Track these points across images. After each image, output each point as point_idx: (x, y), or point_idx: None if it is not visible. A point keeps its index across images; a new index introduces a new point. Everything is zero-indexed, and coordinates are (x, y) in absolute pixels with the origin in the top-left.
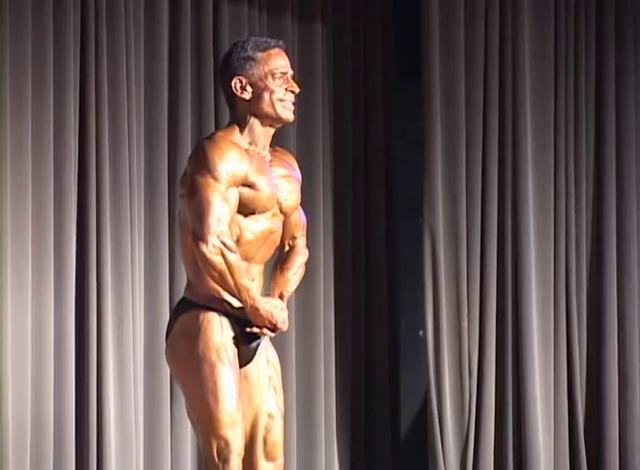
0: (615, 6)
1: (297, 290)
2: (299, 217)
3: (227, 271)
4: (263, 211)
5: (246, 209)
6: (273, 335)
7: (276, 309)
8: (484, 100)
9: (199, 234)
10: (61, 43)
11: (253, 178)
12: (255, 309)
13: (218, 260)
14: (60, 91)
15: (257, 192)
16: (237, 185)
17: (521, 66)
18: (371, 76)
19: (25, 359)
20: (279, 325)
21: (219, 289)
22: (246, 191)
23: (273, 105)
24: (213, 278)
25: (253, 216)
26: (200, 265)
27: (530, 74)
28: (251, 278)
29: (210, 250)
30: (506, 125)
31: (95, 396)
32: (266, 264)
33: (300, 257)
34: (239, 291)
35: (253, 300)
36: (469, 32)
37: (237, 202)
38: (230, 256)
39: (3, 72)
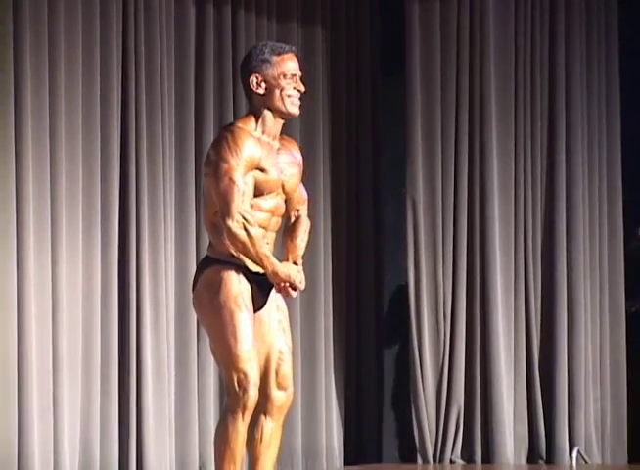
0: (564, 11)
1: None
2: (301, 194)
3: (249, 242)
4: (270, 192)
5: (256, 190)
6: (295, 294)
7: (293, 271)
8: (457, 94)
9: (225, 212)
10: (106, 48)
11: (264, 164)
12: (275, 273)
13: (241, 233)
14: (105, 86)
15: (267, 176)
16: (252, 170)
17: (486, 66)
18: (361, 73)
19: (77, 303)
20: (297, 284)
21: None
22: (258, 174)
23: (282, 100)
24: (237, 248)
25: (263, 196)
26: (226, 237)
27: (495, 71)
28: (267, 242)
29: (235, 225)
30: (474, 111)
31: (135, 337)
32: (278, 232)
33: (304, 226)
34: (260, 259)
35: (273, 265)
36: (444, 39)
37: (253, 184)
38: (251, 229)
39: (58, 74)
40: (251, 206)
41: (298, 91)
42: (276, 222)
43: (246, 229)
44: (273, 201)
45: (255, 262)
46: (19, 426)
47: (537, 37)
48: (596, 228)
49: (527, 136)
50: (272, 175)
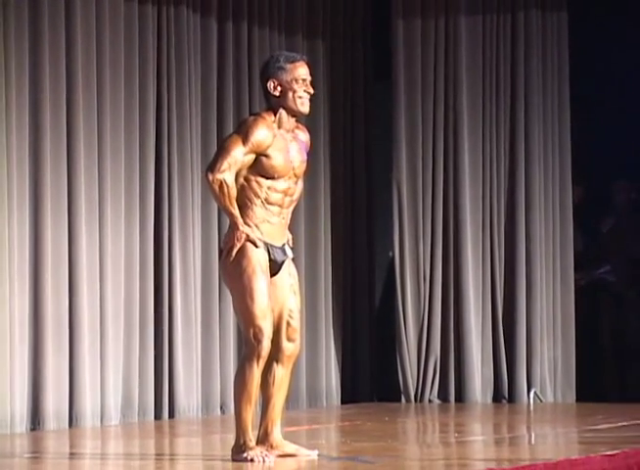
0: (524, 31)
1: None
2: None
3: (223, 196)
4: (281, 176)
5: (268, 174)
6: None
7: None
8: (434, 94)
9: (212, 165)
10: (143, 59)
11: (271, 152)
12: (236, 225)
13: (215, 189)
14: (143, 90)
15: (273, 162)
16: (256, 153)
17: (458, 72)
18: (355, 78)
19: (119, 269)
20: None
21: (256, 223)
22: (264, 159)
23: (295, 101)
24: (213, 195)
25: (276, 179)
26: (206, 183)
27: (466, 76)
28: (282, 217)
29: (214, 181)
30: (448, 109)
31: (167, 298)
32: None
33: (298, 190)
34: (229, 210)
35: (238, 218)
36: (424, 51)
37: (249, 163)
38: (227, 188)
39: (104, 76)
40: (268, 188)
41: (308, 93)
42: (290, 201)
43: (221, 187)
44: (286, 183)
45: (225, 210)
46: (70, 372)
47: (501, 52)
48: (550, 215)
49: (493, 134)
50: (279, 162)
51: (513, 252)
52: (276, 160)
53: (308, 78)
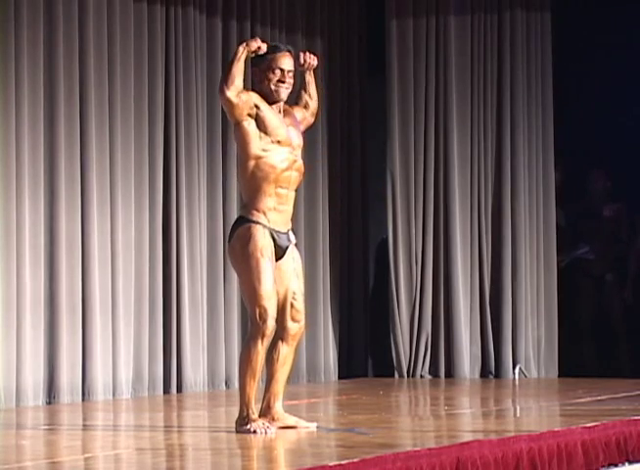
0: (509, 31)
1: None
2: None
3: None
4: (281, 140)
5: (267, 130)
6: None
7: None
8: (425, 89)
9: (222, 85)
10: (152, 53)
11: (265, 113)
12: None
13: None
14: (152, 80)
15: (266, 122)
16: (251, 109)
17: (448, 68)
18: (351, 73)
19: (130, 252)
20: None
21: (264, 211)
22: (258, 121)
23: (269, 88)
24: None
25: (279, 144)
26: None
27: (455, 73)
28: (288, 204)
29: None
30: (439, 102)
31: (175, 278)
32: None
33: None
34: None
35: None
36: (415, 49)
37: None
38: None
39: (114, 74)
40: (273, 164)
41: (282, 82)
42: (296, 178)
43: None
44: (286, 150)
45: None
46: (84, 349)
47: (488, 49)
48: (534, 202)
49: (480, 126)
50: (275, 123)
51: (499, 236)
52: (270, 121)
53: (287, 68)
